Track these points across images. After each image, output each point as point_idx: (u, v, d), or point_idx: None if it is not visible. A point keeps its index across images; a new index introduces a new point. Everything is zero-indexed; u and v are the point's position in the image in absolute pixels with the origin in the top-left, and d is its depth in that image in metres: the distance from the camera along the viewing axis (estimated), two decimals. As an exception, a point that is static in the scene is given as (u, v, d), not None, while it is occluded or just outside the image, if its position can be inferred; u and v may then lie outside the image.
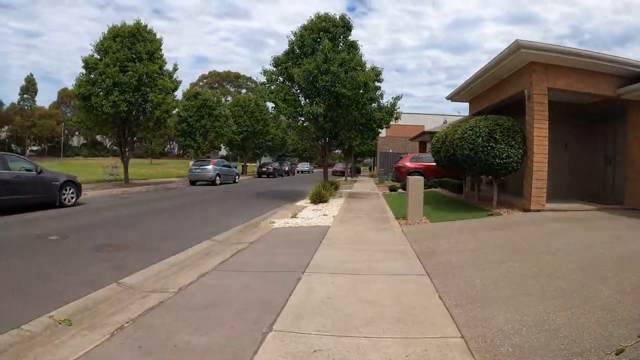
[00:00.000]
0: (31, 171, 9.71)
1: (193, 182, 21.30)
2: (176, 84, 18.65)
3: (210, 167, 21.41)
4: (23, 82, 69.34)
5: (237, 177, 24.42)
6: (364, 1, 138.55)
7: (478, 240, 5.90)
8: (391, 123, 14.48)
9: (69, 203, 10.53)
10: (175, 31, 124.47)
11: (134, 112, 17.18)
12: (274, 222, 8.03)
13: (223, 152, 50.57)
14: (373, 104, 13.74)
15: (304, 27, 13.36)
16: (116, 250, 5.74)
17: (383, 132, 26.42)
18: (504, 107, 10.29)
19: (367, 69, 13.03)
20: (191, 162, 23.84)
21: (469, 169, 9.55)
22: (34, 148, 73.26)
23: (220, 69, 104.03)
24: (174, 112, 19.24)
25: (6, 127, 68.48)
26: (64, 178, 10.54)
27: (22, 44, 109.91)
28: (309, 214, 9.17)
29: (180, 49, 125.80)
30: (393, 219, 8.36)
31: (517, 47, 7.76)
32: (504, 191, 10.45)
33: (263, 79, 13.46)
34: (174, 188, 18.81)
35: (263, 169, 34.35)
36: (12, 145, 69.41)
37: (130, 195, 15.03)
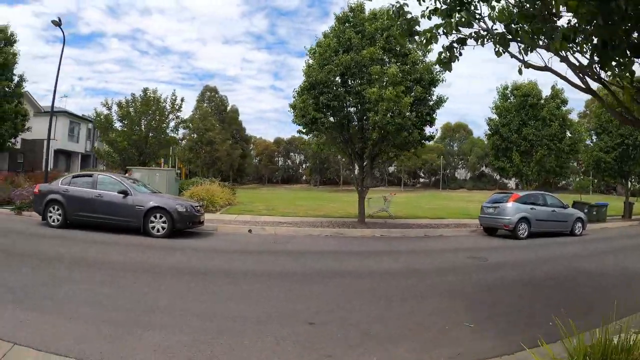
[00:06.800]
0: (115, 192, 9.10)
1: (489, 230, 12.40)
2: (430, 75, 11.18)
3: (509, 205, 11.71)
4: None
5: (578, 224, 12.84)
6: None
7: None
8: None
9: (158, 233, 8.76)
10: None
11: (354, 122, 11.93)
12: None
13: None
14: None
15: None
16: None
17: None
18: None
19: None
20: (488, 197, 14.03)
21: None
22: (421, 180, 79.52)
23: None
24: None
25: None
26: (153, 204, 8.93)
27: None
28: None
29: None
30: None
31: None
32: None
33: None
34: (440, 236, 11.66)
35: None
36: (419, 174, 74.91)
37: (336, 240, 10.16)
